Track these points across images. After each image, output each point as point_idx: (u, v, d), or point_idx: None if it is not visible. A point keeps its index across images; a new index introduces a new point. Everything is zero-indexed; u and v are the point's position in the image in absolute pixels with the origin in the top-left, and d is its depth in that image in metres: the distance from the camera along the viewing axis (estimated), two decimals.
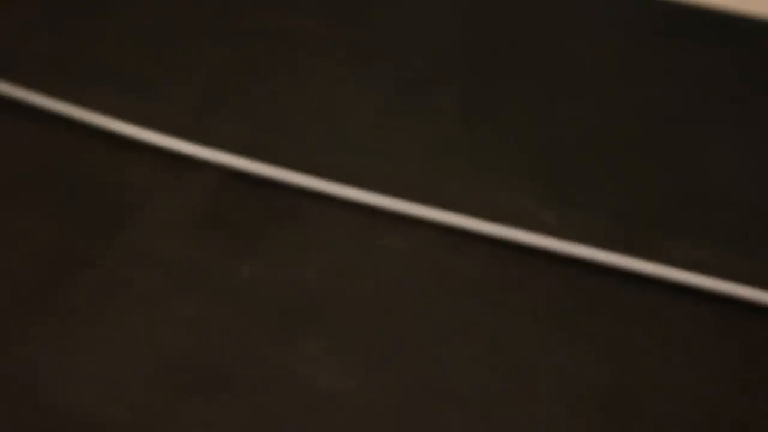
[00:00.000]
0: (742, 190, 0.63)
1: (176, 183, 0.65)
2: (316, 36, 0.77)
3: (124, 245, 0.61)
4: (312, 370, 0.54)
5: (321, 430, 0.52)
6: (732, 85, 0.71)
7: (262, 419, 0.52)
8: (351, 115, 0.70)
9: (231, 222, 0.62)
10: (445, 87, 0.72)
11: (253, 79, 0.73)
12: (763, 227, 0.61)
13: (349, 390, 0.53)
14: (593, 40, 0.76)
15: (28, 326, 0.57)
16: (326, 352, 0.55)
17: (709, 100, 0.70)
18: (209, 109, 0.70)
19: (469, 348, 0.55)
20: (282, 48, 0.76)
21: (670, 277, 0.57)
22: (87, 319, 0.57)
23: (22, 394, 0.54)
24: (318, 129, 0.69)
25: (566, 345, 0.55)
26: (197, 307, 0.57)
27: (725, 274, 0.57)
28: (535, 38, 0.76)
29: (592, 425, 0.52)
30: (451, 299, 0.58)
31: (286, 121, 0.69)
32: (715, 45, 0.75)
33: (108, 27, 0.78)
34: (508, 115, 0.70)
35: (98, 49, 0.76)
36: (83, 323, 0.57)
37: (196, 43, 0.76)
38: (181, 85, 0.72)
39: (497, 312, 0.57)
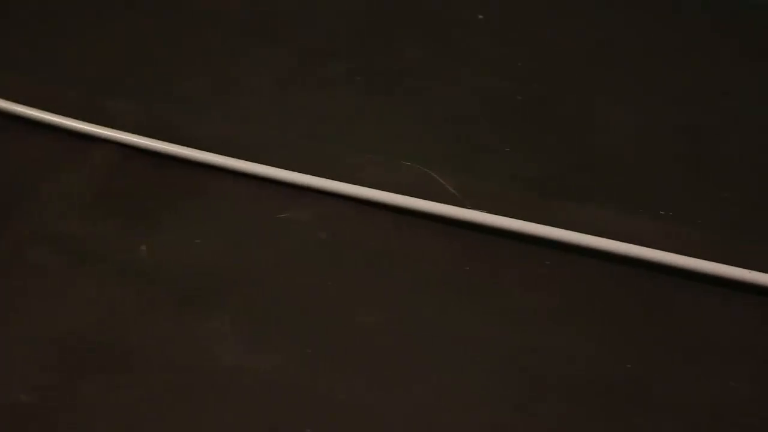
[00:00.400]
0: (640, 153, 0.64)
1: (73, 162, 0.64)
2: (213, 11, 0.76)
3: (21, 225, 0.60)
4: (215, 347, 0.54)
5: (225, 407, 0.51)
6: (626, 50, 0.72)
7: (165, 397, 0.52)
8: (249, 89, 0.69)
9: (129, 200, 0.62)
10: (344, 59, 0.72)
11: (149, 55, 0.72)
12: (659, 188, 0.62)
13: (253, 365, 0.53)
14: (491, 9, 0.76)
15: None
16: (229, 328, 0.55)
17: (604, 65, 0.71)
18: (105, 87, 0.69)
19: (374, 318, 0.55)
20: (178, 23, 0.75)
21: (570, 240, 0.58)
22: None
23: None
24: (216, 104, 0.68)
25: (470, 311, 0.56)
26: (96, 285, 0.57)
27: (624, 236, 0.58)
28: (433, 9, 0.76)
29: (495, 391, 0.52)
30: (356, 270, 0.58)
31: (183, 97, 0.69)
32: (608, 10, 0.76)
33: (1, 9, 0.77)
34: (408, 85, 0.70)
35: None
36: None
37: (89, 21, 0.75)
38: (75, 64, 0.71)
39: (402, 280, 0.57)
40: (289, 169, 0.62)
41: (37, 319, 0.55)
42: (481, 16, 0.75)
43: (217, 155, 0.63)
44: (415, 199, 0.60)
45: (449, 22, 0.74)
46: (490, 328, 0.55)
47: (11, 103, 0.66)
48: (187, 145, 0.64)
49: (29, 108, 0.66)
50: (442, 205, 0.60)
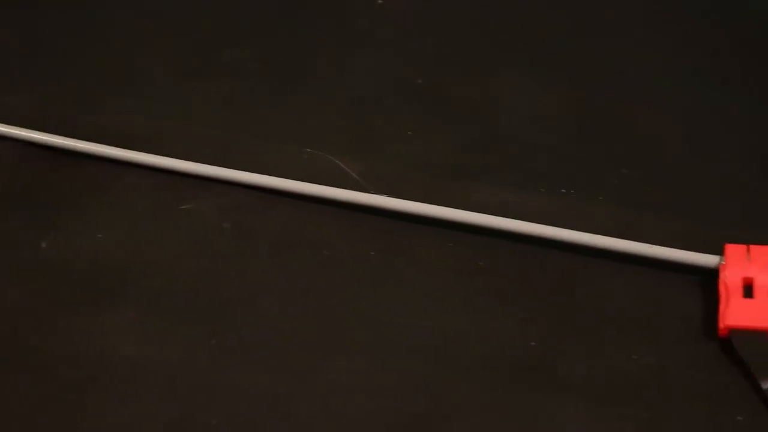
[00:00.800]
0: (540, 132, 0.65)
1: None
2: (108, 2, 0.75)
3: None
4: (119, 340, 0.53)
5: (130, 399, 0.51)
6: (523, 31, 0.73)
7: (69, 392, 0.51)
8: (147, 80, 0.69)
9: (28, 197, 0.61)
10: (242, 46, 0.71)
11: (44, 49, 0.72)
12: (560, 166, 0.62)
13: (158, 357, 0.53)
14: None
15: None
16: (133, 321, 0.54)
17: (502, 46, 0.71)
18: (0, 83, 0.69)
19: (278, 306, 0.55)
20: (73, 16, 0.74)
21: (473, 221, 0.58)
22: None
23: None
24: (115, 96, 0.68)
25: (376, 295, 0.56)
26: None
27: (526, 215, 0.58)
28: None
29: (402, 374, 0.52)
30: (260, 259, 0.58)
31: (81, 91, 0.68)
32: None
33: None
34: (307, 71, 0.70)
35: None
36: None
37: None
38: None
39: (307, 268, 0.57)
40: (190, 160, 0.62)
41: None
42: (380, 1, 0.75)
43: (117, 148, 0.62)
44: (319, 186, 0.60)
45: (348, 7, 0.74)
46: (396, 311, 0.55)
47: None
48: (86, 140, 0.63)
49: None
50: (346, 191, 0.60)
